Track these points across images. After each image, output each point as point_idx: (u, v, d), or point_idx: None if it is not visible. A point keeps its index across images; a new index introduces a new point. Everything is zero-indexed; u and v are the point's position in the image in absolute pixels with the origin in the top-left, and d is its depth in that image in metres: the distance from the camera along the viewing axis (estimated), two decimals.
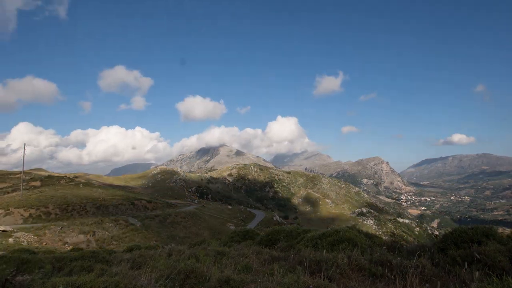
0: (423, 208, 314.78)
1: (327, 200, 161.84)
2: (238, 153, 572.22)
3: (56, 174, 78.80)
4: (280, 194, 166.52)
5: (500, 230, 9.64)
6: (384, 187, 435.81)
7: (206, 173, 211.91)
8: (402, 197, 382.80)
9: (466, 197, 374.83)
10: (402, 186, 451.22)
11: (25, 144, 54.18)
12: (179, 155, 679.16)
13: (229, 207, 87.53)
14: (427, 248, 7.39)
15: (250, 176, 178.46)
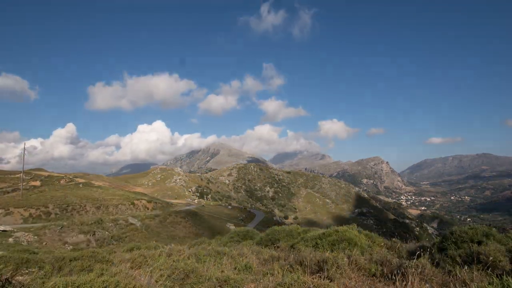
0: (423, 208, 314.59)
1: (327, 200, 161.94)
2: (238, 152, 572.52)
3: (56, 174, 78.77)
4: (280, 194, 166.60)
5: (499, 230, 9.62)
6: (384, 187, 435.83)
7: (206, 173, 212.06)
8: (402, 197, 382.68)
9: (466, 197, 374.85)
10: (402, 186, 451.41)
11: (25, 144, 54.31)
12: (178, 155, 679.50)
13: (229, 207, 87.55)
14: (427, 248, 7.39)
15: (250, 176, 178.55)
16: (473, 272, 5.34)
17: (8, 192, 52.91)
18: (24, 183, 54.37)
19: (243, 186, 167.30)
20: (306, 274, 5.61)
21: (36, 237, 28.94)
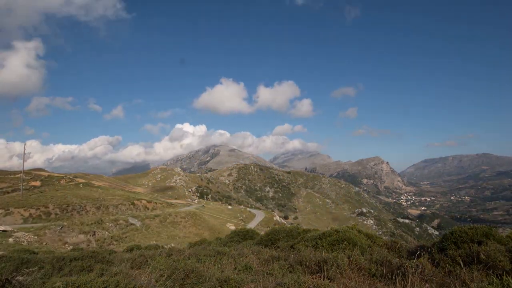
0: (423, 208, 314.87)
1: (327, 200, 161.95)
2: (238, 153, 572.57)
3: (56, 174, 78.81)
4: (280, 194, 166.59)
5: (500, 230, 9.62)
6: (384, 187, 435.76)
7: (206, 173, 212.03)
8: (402, 197, 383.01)
9: (466, 197, 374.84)
10: (402, 186, 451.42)
11: (25, 144, 54.37)
12: (179, 155, 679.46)
13: (229, 207, 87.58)
14: (427, 248, 7.38)
15: (250, 176, 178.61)
16: (473, 272, 5.34)
17: (8, 192, 52.93)
18: (24, 183, 54.37)
19: (243, 186, 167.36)
20: (306, 274, 5.61)
21: (36, 237, 28.94)
